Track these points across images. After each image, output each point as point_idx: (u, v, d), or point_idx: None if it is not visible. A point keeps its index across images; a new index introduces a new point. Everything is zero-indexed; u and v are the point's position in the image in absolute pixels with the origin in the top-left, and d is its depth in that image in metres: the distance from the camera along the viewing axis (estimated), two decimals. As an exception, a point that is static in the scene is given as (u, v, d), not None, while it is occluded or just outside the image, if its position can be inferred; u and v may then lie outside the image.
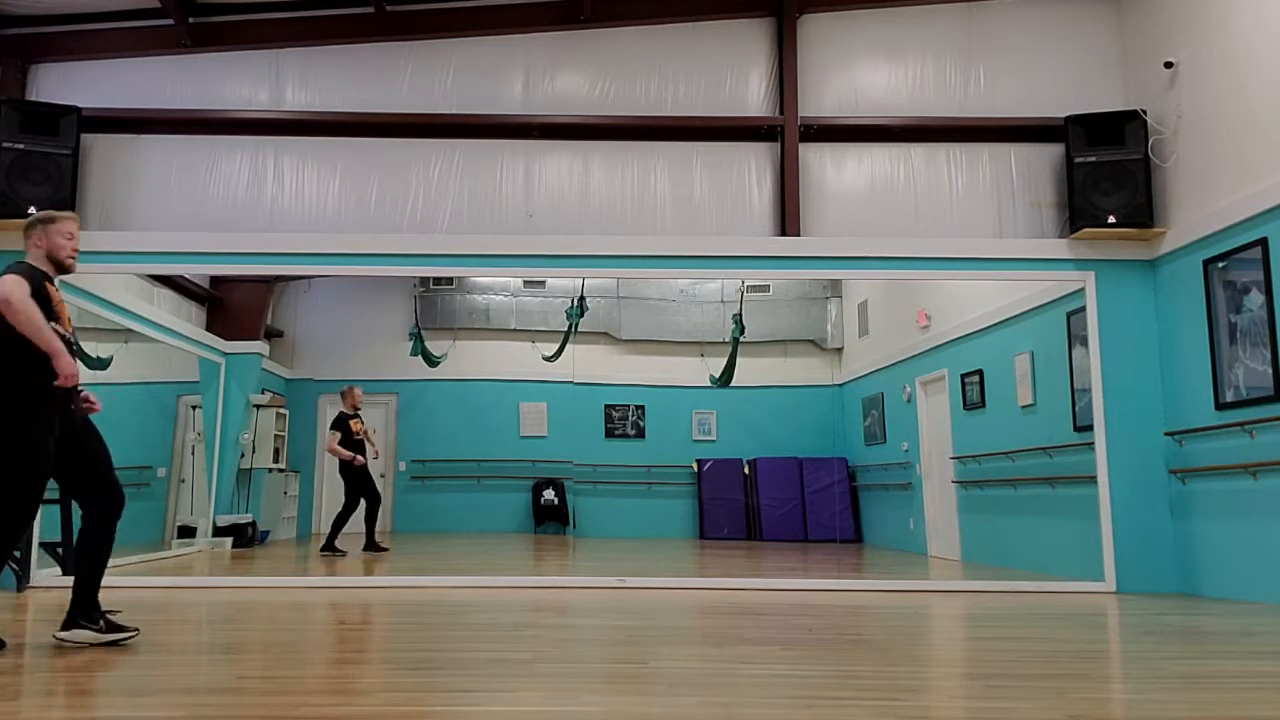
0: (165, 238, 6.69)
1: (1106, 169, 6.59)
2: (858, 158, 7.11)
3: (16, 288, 3.68)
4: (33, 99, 6.85)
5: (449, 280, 11.67)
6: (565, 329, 10.88)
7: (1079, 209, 6.60)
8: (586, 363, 11.15)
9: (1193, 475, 6.26)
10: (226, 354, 10.00)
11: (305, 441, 11.16)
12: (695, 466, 11.68)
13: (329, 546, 8.58)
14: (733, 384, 10.87)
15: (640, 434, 11.91)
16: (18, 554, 5.96)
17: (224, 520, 9.52)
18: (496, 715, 2.80)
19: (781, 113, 7.07)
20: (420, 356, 11.17)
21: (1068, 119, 6.71)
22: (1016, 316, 7.87)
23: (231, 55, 7.08)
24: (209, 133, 6.98)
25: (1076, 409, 7.07)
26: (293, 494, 11.03)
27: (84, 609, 3.80)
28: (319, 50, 7.11)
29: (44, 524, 6.19)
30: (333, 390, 11.27)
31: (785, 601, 5.67)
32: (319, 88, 7.08)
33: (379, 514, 8.97)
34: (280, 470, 10.66)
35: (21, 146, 6.34)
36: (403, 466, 11.44)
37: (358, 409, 9.12)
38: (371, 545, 8.80)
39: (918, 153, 7.08)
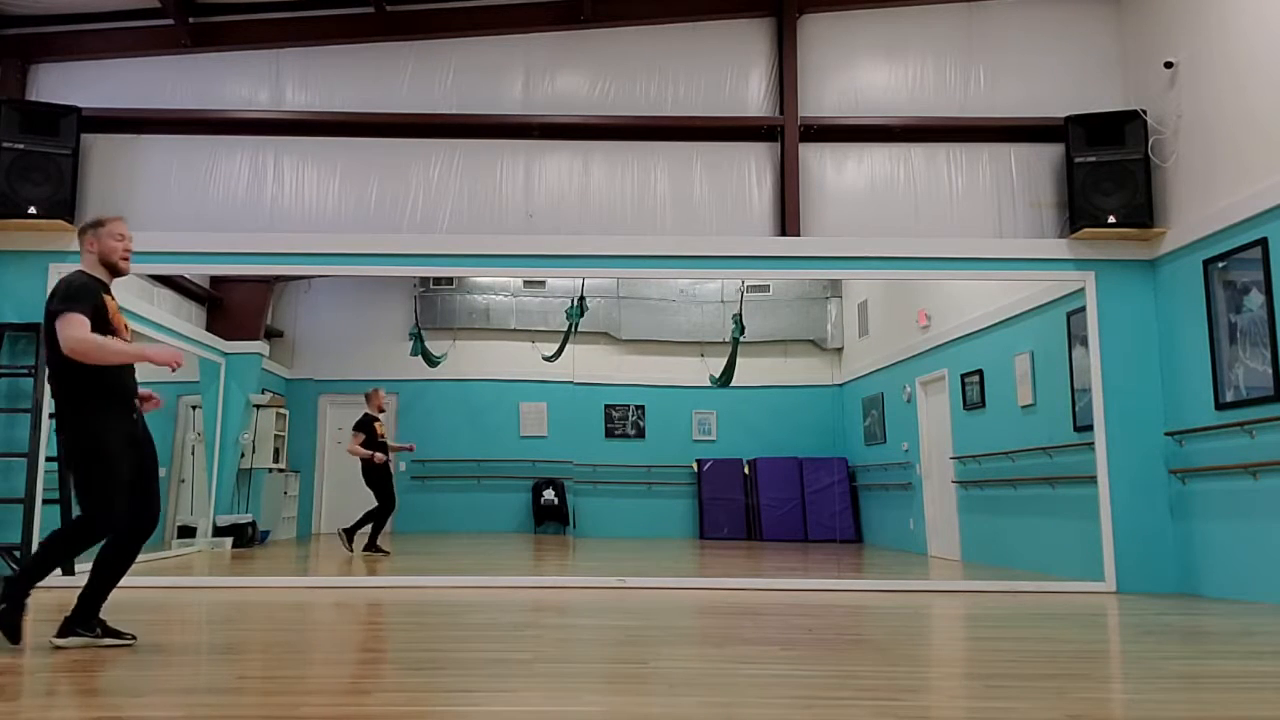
0: (165, 238, 6.69)
1: (1106, 169, 6.59)
2: (858, 158, 7.11)
3: (79, 332, 3.68)
4: (33, 99, 6.86)
5: (449, 280, 11.66)
6: (565, 329, 10.88)
7: (1079, 209, 6.60)
8: (586, 363, 11.15)
9: (1193, 475, 6.26)
10: (226, 354, 9.99)
11: (305, 441, 11.17)
12: (695, 466, 11.68)
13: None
14: (733, 384, 10.87)
15: (640, 434, 11.91)
16: (17, 554, 5.97)
17: (224, 520, 9.52)
18: (496, 715, 2.80)
19: (781, 113, 7.07)
20: (420, 356, 11.17)
21: (1068, 119, 6.71)
22: (1016, 316, 7.87)
23: (231, 55, 7.08)
24: (209, 133, 6.98)
25: (1076, 409, 7.07)
26: (293, 494, 11.03)
27: (84, 618, 3.78)
28: (319, 50, 7.11)
29: (44, 524, 6.19)
30: (332, 390, 11.29)
31: (785, 601, 5.67)
32: (319, 88, 7.08)
33: (388, 519, 8.98)
34: (280, 470, 10.66)
35: (21, 146, 6.35)
36: (403, 467, 11.42)
37: (382, 410, 9.16)
38: (372, 543, 8.80)
39: (918, 153, 7.08)
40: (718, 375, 10.91)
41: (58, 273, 6.50)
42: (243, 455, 10.11)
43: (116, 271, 4.02)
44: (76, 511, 3.83)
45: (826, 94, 7.15)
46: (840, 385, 11.72)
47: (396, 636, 4.37)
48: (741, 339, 10.69)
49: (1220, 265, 6.05)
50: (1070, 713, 2.79)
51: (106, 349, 3.72)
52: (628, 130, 7.08)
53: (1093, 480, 6.56)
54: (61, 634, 3.75)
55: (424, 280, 11.50)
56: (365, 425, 8.92)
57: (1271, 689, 3.22)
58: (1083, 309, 6.78)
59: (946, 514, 9.08)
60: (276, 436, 10.52)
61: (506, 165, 7.05)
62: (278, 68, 7.08)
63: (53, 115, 6.49)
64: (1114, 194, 6.56)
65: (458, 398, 11.69)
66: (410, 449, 9.81)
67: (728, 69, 7.19)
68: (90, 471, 3.72)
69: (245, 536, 9.50)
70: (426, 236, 6.85)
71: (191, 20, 6.96)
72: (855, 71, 7.19)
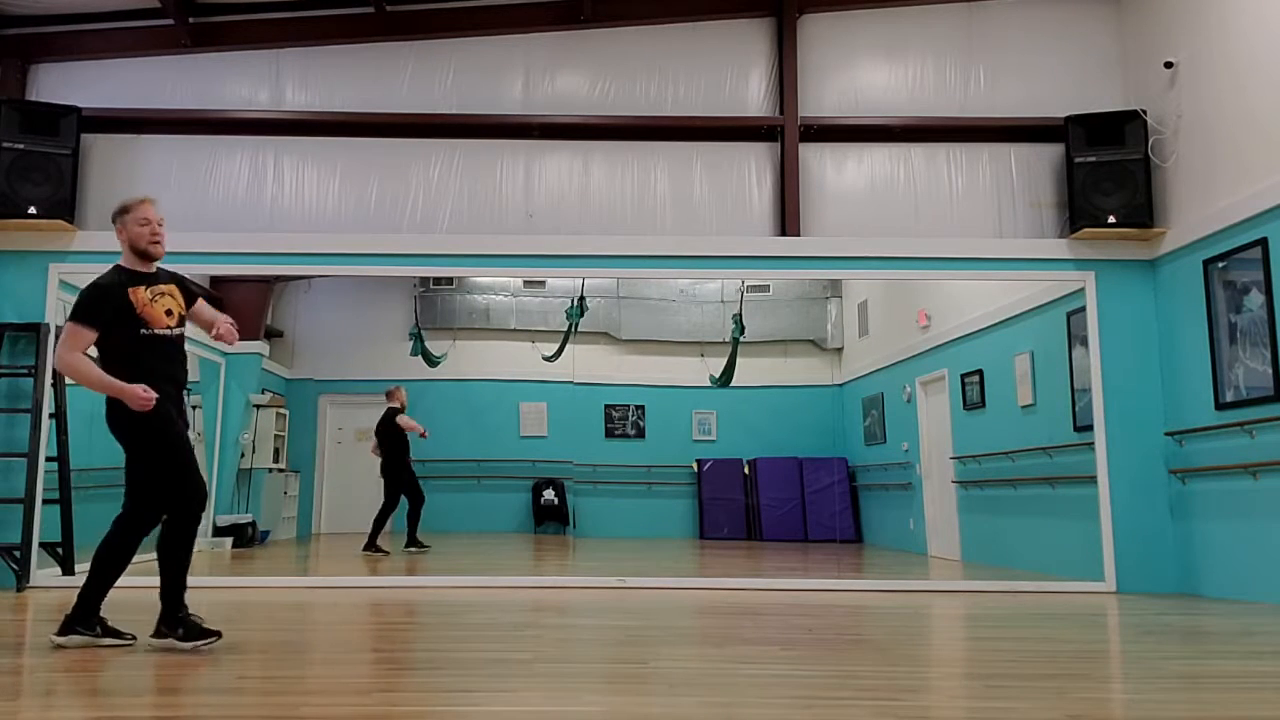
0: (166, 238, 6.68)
1: (1106, 169, 6.59)
2: (858, 158, 7.11)
3: (65, 352, 3.74)
4: (33, 99, 6.85)
5: (449, 280, 11.65)
6: (565, 329, 10.87)
7: (1079, 209, 6.60)
8: (586, 363, 11.15)
9: (1193, 475, 6.26)
10: (226, 354, 9.99)
11: (305, 441, 11.16)
12: (695, 466, 11.68)
13: (412, 542, 8.76)
14: (733, 384, 10.86)
15: (640, 434, 11.91)
16: (17, 554, 5.97)
17: (224, 520, 9.51)
18: (496, 715, 2.80)
19: (781, 113, 7.07)
20: (420, 356, 11.17)
21: (1068, 119, 6.71)
22: (1016, 316, 7.87)
23: (231, 55, 7.07)
24: (209, 133, 6.98)
25: (1076, 409, 7.07)
26: (293, 494, 11.02)
27: (84, 615, 3.75)
28: (319, 50, 7.11)
29: (44, 524, 6.19)
30: (332, 390, 11.28)
31: (785, 601, 5.67)
32: (319, 88, 7.08)
33: (390, 520, 9.03)
34: (280, 470, 10.65)
35: (21, 146, 6.34)
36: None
37: (404, 406, 9.34)
38: (372, 543, 8.82)
39: (918, 153, 7.08)
40: (718, 375, 10.91)
41: (58, 273, 6.52)
42: (243, 455, 10.11)
43: (148, 257, 3.98)
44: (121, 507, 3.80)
45: (826, 94, 7.14)
46: (840, 385, 11.71)
47: (396, 636, 4.37)
48: (741, 339, 10.69)
49: (1220, 265, 6.05)
50: (1070, 713, 2.79)
51: (83, 376, 3.75)
52: (628, 130, 7.08)
53: (1093, 480, 6.56)
54: (61, 632, 3.74)
55: (424, 280, 11.49)
56: (394, 417, 9.12)
57: (1271, 689, 3.22)
58: (1083, 309, 6.78)
59: (946, 514, 9.08)
60: (276, 436, 10.52)
61: (506, 165, 7.05)
62: (278, 68, 7.08)
63: (53, 115, 6.49)
64: (1114, 194, 6.56)
65: (458, 398, 11.68)
66: (423, 434, 9.82)
67: (728, 69, 7.19)
68: (157, 455, 3.72)
69: (245, 536, 9.49)
70: (426, 236, 6.85)
71: (191, 20, 6.96)
72: (855, 71, 7.19)
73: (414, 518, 8.94)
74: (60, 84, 6.94)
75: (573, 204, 7.02)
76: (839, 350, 11.92)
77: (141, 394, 3.66)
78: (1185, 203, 6.44)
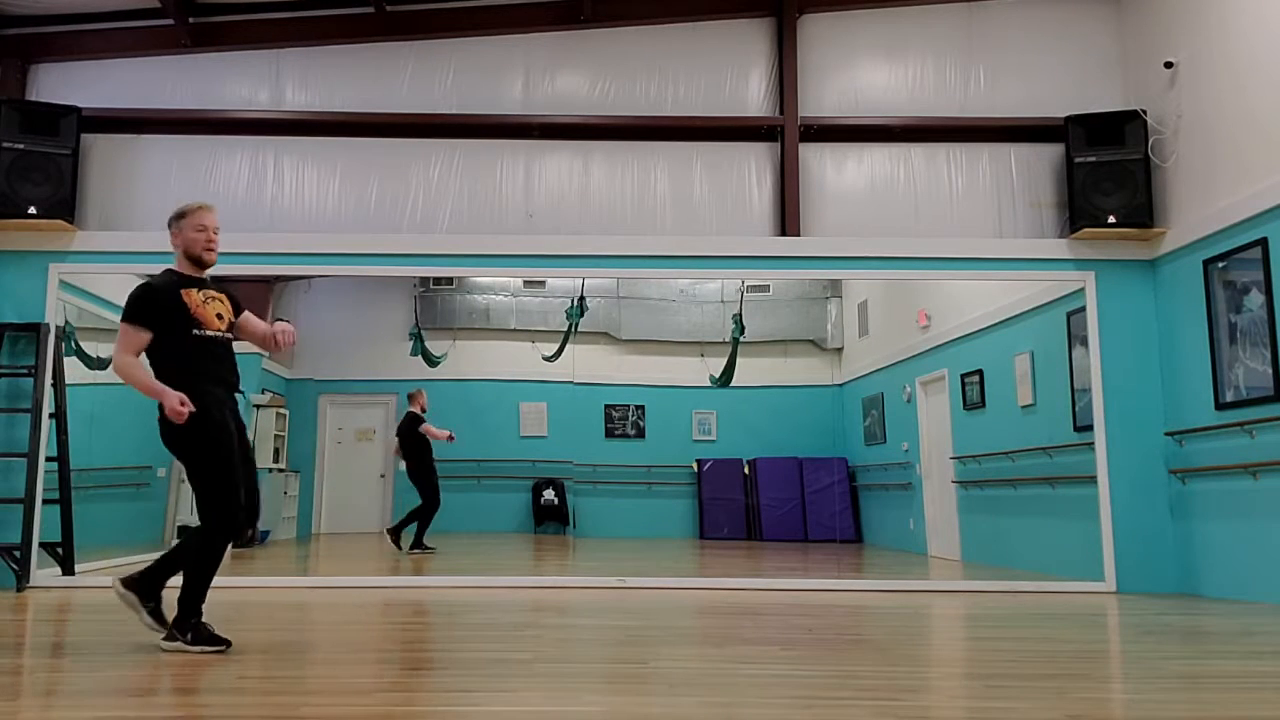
0: (165, 238, 6.62)
1: (1106, 169, 6.59)
2: (858, 158, 7.11)
3: (120, 353, 3.75)
4: (33, 99, 6.86)
5: (449, 280, 11.65)
6: (565, 329, 10.87)
7: (1079, 209, 6.60)
8: (586, 363, 11.14)
9: (1193, 475, 6.26)
10: (226, 354, 9.97)
11: (305, 441, 11.15)
12: (695, 466, 11.67)
13: (418, 544, 8.74)
14: (733, 384, 10.86)
15: (640, 434, 11.90)
16: (17, 554, 5.97)
17: (224, 520, 9.49)
18: (496, 715, 2.80)
19: (781, 113, 7.07)
20: (420, 356, 11.17)
21: (1068, 119, 6.71)
22: (1016, 316, 7.87)
23: (231, 55, 7.08)
24: (209, 133, 6.98)
25: (1076, 409, 7.07)
26: (293, 494, 11.01)
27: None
28: (319, 50, 7.11)
29: (44, 524, 6.19)
30: (332, 390, 11.27)
31: (785, 601, 5.67)
32: (319, 88, 7.08)
33: (413, 517, 9.05)
34: (280, 470, 10.65)
35: (21, 146, 6.35)
36: (402, 466, 11.43)
37: (425, 410, 9.38)
38: (394, 535, 8.87)
39: (918, 153, 7.08)
40: (718, 375, 10.91)
41: (58, 273, 6.52)
42: (243, 455, 10.09)
43: (201, 263, 4.01)
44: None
45: (826, 94, 7.14)
46: (840, 385, 11.71)
47: (397, 636, 4.37)
48: (741, 339, 10.69)
49: (1220, 265, 6.05)
50: (1070, 713, 2.79)
51: (133, 380, 3.75)
52: (628, 130, 7.08)
53: (1093, 480, 6.56)
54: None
55: (424, 280, 11.48)
56: (418, 421, 9.17)
57: (1271, 689, 3.22)
58: (1083, 309, 6.78)
59: (946, 514, 9.08)
60: (276, 436, 10.52)
61: (506, 165, 7.05)
62: (278, 68, 7.08)
63: (53, 115, 6.49)
64: (1114, 194, 6.56)
65: (458, 398, 11.66)
66: (450, 439, 9.83)
67: (728, 69, 7.19)
68: (201, 453, 3.74)
69: (245, 536, 9.48)
70: (426, 236, 6.85)
71: (191, 20, 6.96)
72: (855, 71, 7.19)
73: (412, 518, 8.94)
74: (60, 84, 6.94)
75: (573, 204, 7.02)
76: (839, 350, 11.92)
77: (178, 404, 3.65)
78: (1185, 203, 6.44)
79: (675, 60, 7.17)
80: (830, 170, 7.08)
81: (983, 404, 8.44)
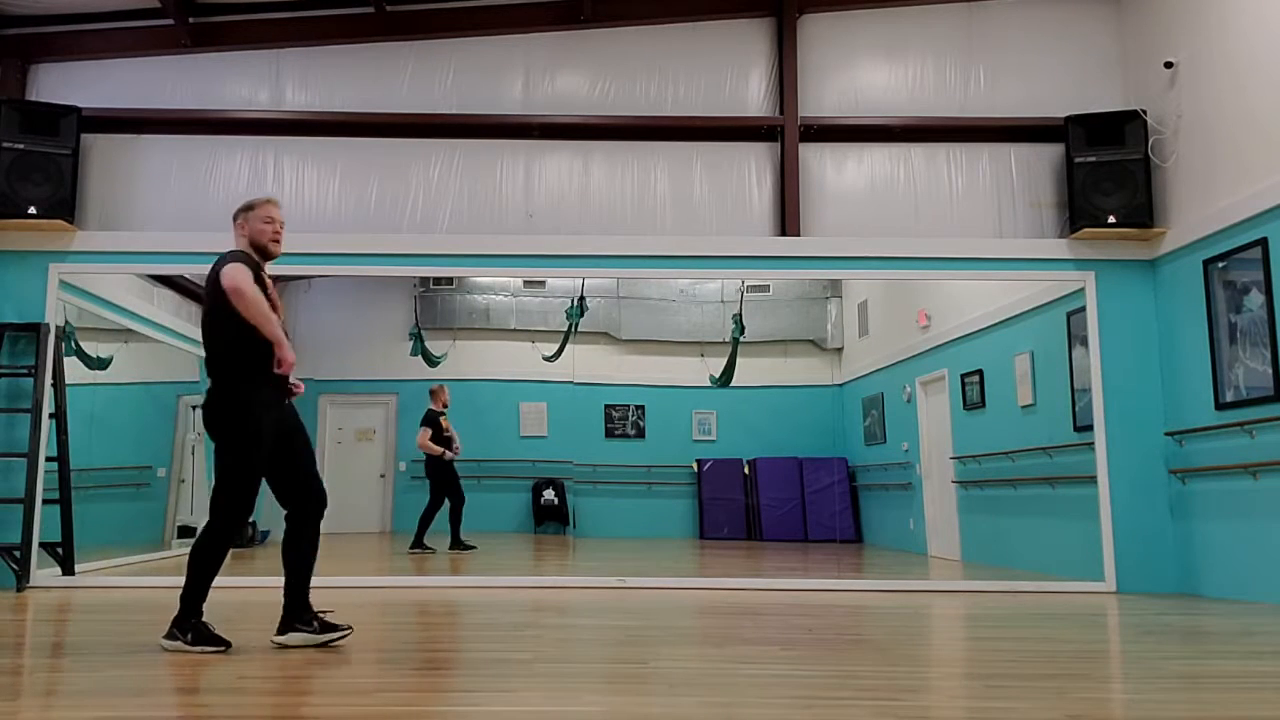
0: (165, 238, 6.69)
1: (1106, 169, 6.59)
2: (858, 158, 7.11)
3: (245, 276, 3.73)
4: (33, 99, 6.85)
5: (449, 280, 11.65)
6: (565, 329, 10.87)
7: (1079, 209, 6.60)
8: (586, 363, 11.14)
9: (1193, 475, 6.26)
10: (226, 354, 9.97)
11: (305, 441, 11.13)
12: (695, 466, 11.67)
13: (418, 544, 8.74)
14: (733, 384, 10.87)
15: (640, 434, 11.90)
16: (17, 554, 5.97)
17: (224, 520, 9.50)
18: (496, 715, 2.80)
19: (781, 113, 7.07)
20: (420, 356, 11.17)
21: (1068, 119, 6.71)
22: (1016, 316, 7.87)
23: (231, 55, 7.08)
24: (209, 133, 6.98)
25: (1076, 409, 7.07)
26: (293, 494, 11.01)
27: (297, 611, 3.83)
28: (319, 50, 7.11)
29: (44, 524, 6.19)
30: (332, 390, 11.27)
31: (785, 601, 5.67)
32: (319, 88, 7.08)
33: (463, 513, 9.06)
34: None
35: (21, 146, 6.35)
36: (403, 466, 11.42)
37: (447, 406, 9.35)
38: (457, 544, 8.88)
39: (918, 153, 7.08)
40: (718, 375, 10.91)
41: (58, 273, 6.52)
42: (243, 455, 10.10)
43: (266, 254, 4.05)
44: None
45: (826, 94, 7.14)
46: (840, 385, 11.71)
47: (396, 636, 4.37)
48: (741, 339, 10.69)
49: (1220, 265, 6.05)
50: (1070, 713, 2.79)
51: (261, 303, 3.75)
52: (628, 130, 7.08)
53: (1093, 480, 6.56)
54: (281, 631, 3.81)
55: (424, 280, 11.48)
56: (432, 421, 9.13)
57: (1271, 689, 3.22)
58: (1083, 309, 6.78)
59: (946, 514, 9.08)
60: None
61: (506, 165, 7.05)
62: (278, 68, 7.08)
63: (53, 115, 6.49)
64: (1114, 194, 6.56)
65: (458, 398, 11.63)
66: (457, 451, 9.84)
67: (728, 69, 7.19)
68: (237, 455, 3.75)
69: (245, 536, 9.49)
70: (426, 236, 6.85)
71: (191, 20, 6.96)
72: (855, 71, 7.19)
73: (427, 520, 8.97)
74: (60, 84, 6.94)
75: (573, 204, 7.02)
76: (839, 350, 11.92)
77: (291, 356, 3.72)
78: (1185, 203, 6.44)
79: (675, 60, 7.17)
80: (830, 170, 7.08)
81: (983, 404, 8.44)
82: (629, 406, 11.92)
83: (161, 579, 6.50)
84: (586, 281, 10.47)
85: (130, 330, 8.10)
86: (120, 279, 7.68)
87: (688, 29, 7.23)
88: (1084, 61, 7.13)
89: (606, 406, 11.87)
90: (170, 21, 6.89)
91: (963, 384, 8.72)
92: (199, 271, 8.68)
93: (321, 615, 3.89)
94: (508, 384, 11.75)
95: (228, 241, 6.67)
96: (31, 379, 6.29)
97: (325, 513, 4.02)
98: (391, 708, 2.82)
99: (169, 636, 3.72)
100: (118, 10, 6.93)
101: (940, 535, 9.20)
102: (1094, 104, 6.88)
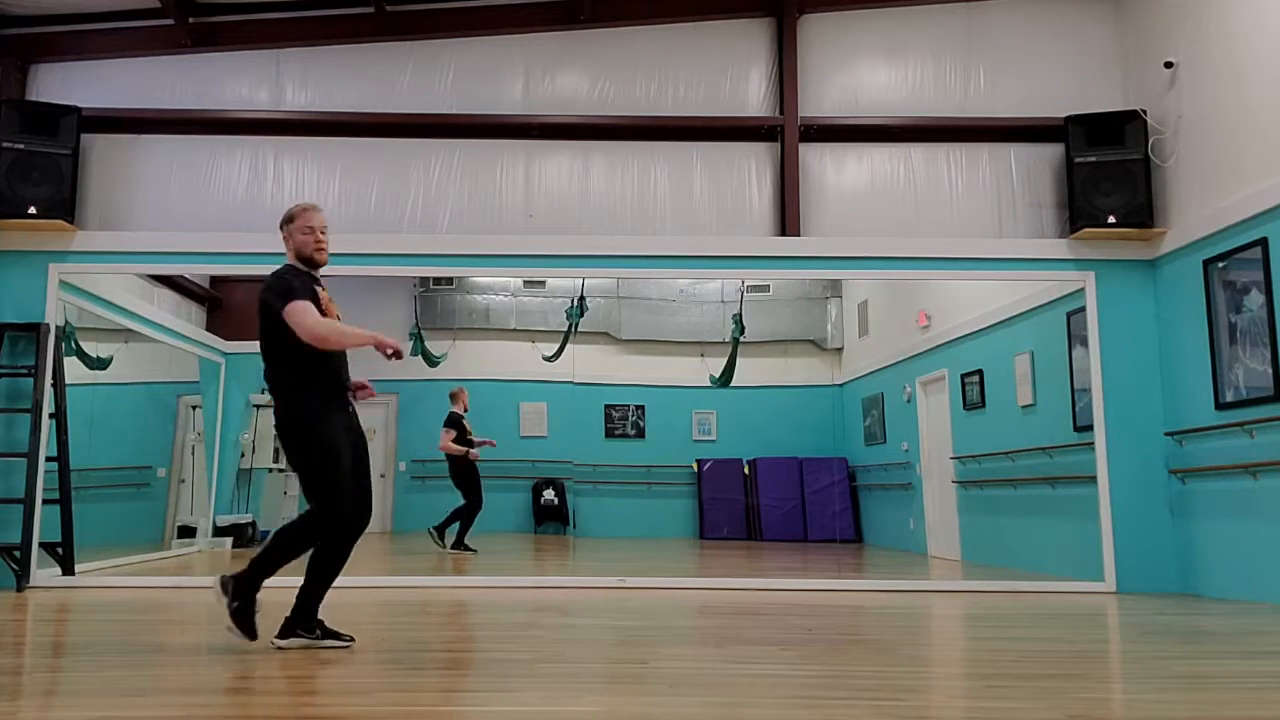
0: (165, 238, 6.69)
1: (1106, 169, 6.59)
2: (858, 158, 7.11)
3: (308, 317, 3.69)
4: (33, 99, 6.85)
5: (449, 280, 11.65)
6: (565, 329, 10.87)
7: (1079, 209, 6.60)
8: (586, 363, 11.14)
9: (1193, 475, 6.26)
10: (226, 354, 9.99)
11: (305, 441, 11.13)
12: (695, 466, 11.67)
13: (459, 544, 8.76)
14: (733, 384, 10.87)
15: (640, 434, 11.90)
16: (17, 554, 5.97)
17: (224, 520, 9.51)
18: (497, 715, 2.80)
19: (781, 113, 7.07)
20: (420, 356, 11.17)
21: (1068, 119, 6.71)
22: (1016, 316, 7.87)
23: (231, 55, 7.08)
24: (209, 133, 6.98)
25: (1076, 409, 7.07)
26: (293, 494, 10.99)
27: (304, 619, 3.80)
28: (319, 50, 7.11)
29: (44, 524, 6.19)
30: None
31: (785, 601, 5.67)
32: (319, 88, 7.08)
33: (456, 516, 9.08)
34: (280, 470, 10.65)
35: (21, 146, 6.35)
36: (403, 466, 11.43)
37: (467, 409, 9.41)
38: (461, 544, 8.88)
39: (918, 153, 7.08)
40: (718, 375, 10.91)
41: (58, 273, 6.52)
42: (243, 455, 10.11)
43: (313, 264, 3.95)
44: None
45: (826, 94, 7.15)
46: (840, 385, 11.71)
47: (396, 636, 4.37)
48: (741, 339, 10.69)
49: (1220, 265, 6.05)
50: (1070, 713, 2.79)
51: (346, 334, 3.74)
52: (628, 130, 7.08)
53: (1093, 480, 6.56)
54: (283, 635, 3.77)
55: (424, 280, 11.48)
56: (455, 423, 9.13)
57: (1271, 689, 3.22)
58: (1083, 309, 6.78)
59: (946, 514, 9.08)
60: (276, 436, 10.51)
61: (506, 165, 7.05)
62: (278, 68, 7.08)
63: (53, 115, 6.49)
64: (1114, 194, 6.56)
65: (458, 398, 11.67)
66: (492, 444, 9.86)
67: (728, 69, 7.19)
68: (315, 465, 3.73)
69: (245, 536, 9.50)
70: (426, 236, 6.85)
71: (191, 20, 6.96)
72: (855, 71, 7.19)
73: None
74: (60, 84, 6.94)
75: (573, 204, 7.02)
76: (839, 350, 11.92)
77: (395, 342, 3.69)
78: (1185, 203, 6.44)
79: (675, 60, 7.17)
80: (830, 170, 7.08)
81: (983, 404, 8.44)
82: (629, 406, 11.92)
83: (162, 579, 6.50)
84: (586, 281, 10.47)
85: (130, 330, 8.10)
86: (120, 279, 7.68)
87: (688, 29, 7.23)
88: (1084, 61, 7.13)
89: (606, 406, 11.88)
90: (170, 21, 6.89)
91: (963, 384, 8.72)
92: (199, 271, 8.72)
93: (324, 624, 3.85)
94: (508, 384, 11.75)
95: (228, 241, 6.74)
96: (31, 379, 6.29)
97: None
98: (392, 708, 2.82)
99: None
100: (118, 10, 6.93)
101: (940, 535, 9.21)
102: (1094, 104, 6.88)
